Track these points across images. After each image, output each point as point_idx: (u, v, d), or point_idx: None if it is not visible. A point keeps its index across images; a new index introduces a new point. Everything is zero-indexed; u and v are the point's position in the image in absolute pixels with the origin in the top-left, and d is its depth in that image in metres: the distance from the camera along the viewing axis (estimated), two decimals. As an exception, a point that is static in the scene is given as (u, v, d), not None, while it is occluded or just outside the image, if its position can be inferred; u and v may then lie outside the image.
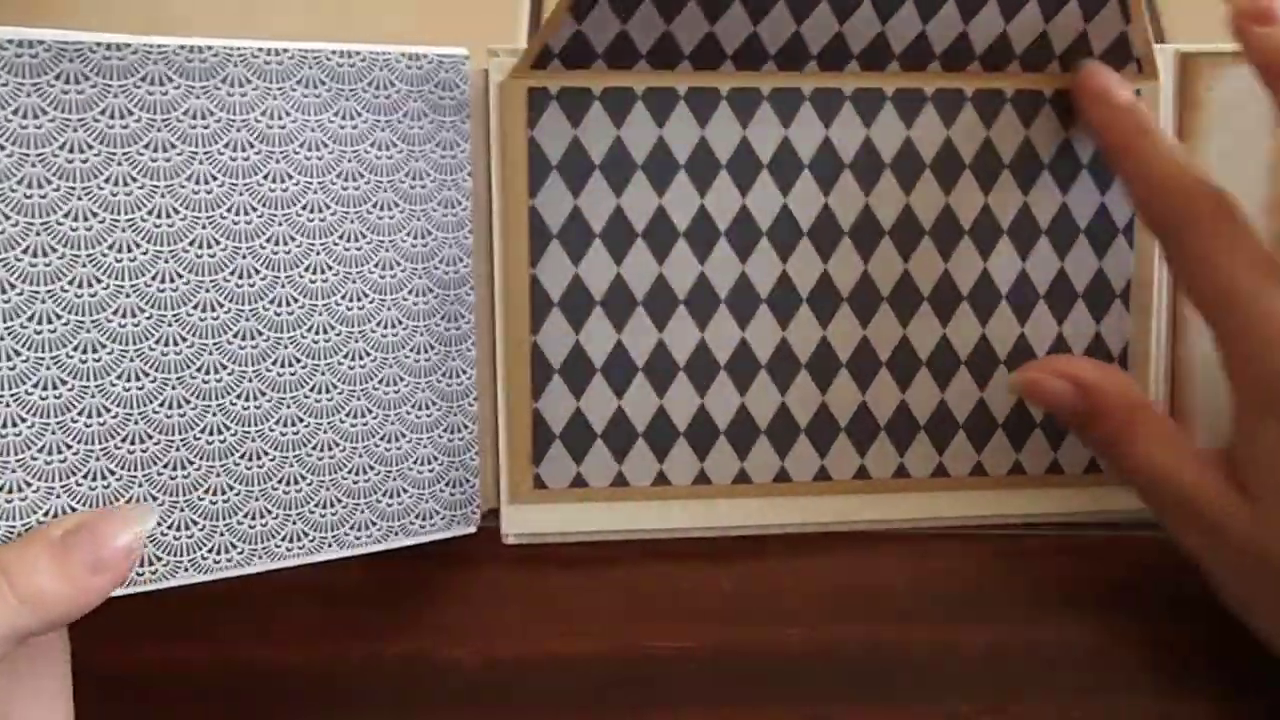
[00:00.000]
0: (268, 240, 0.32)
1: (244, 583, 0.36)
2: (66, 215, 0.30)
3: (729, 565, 0.37)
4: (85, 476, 0.31)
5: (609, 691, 0.37)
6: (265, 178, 0.32)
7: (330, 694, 0.36)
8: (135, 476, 0.31)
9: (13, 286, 0.30)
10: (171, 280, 0.31)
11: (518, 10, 0.47)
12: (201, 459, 0.32)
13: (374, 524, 0.34)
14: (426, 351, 0.35)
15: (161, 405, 0.32)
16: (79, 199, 0.30)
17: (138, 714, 0.36)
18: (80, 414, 0.31)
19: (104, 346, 0.31)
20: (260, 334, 0.32)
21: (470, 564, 0.37)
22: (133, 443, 0.31)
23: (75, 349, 0.31)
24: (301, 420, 0.33)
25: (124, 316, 0.31)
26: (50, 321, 0.30)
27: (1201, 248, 0.32)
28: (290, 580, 0.36)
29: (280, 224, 0.32)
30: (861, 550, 0.37)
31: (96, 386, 0.31)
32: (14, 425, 0.30)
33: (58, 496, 0.31)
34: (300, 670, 0.36)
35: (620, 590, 0.37)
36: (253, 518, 0.33)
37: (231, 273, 0.32)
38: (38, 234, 0.30)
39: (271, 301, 0.32)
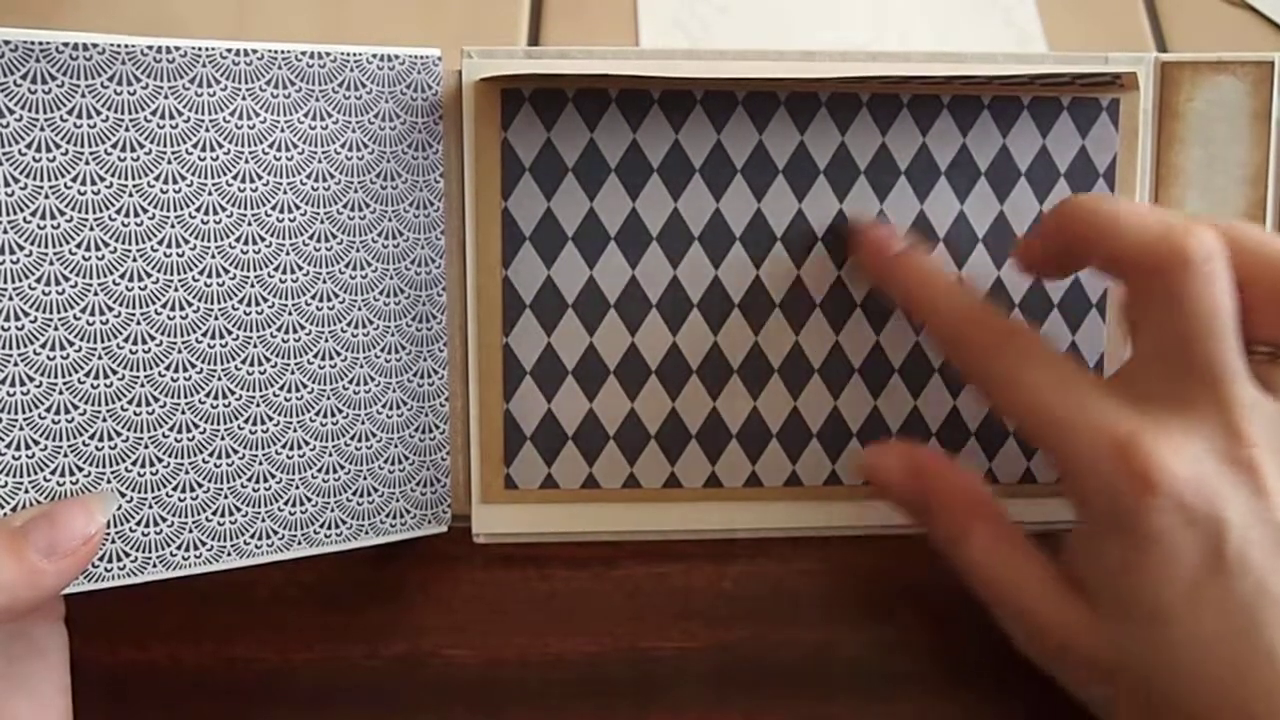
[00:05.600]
0: (237, 240, 0.32)
1: (244, 583, 0.36)
2: (34, 213, 0.30)
3: (729, 565, 0.37)
4: (53, 472, 0.31)
5: (609, 691, 0.37)
6: (234, 177, 0.32)
7: (330, 694, 0.37)
8: (103, 473, 0.32)
9: (-20, 284, 0.30)
10: (140, 279, 0.31)
11: (518, 10, 0.47)
12: (170, 456, 0.32)
13: (344, 522, 0.34)
14: (398, 351, 0.35)
15: (130, 402, 0.32)
16: (46, 197, 0.30)
17: (138, 713, 0.37)
18: (48, 410, 0.31)
19: (71, 344, 0.31)
20: (229, 333, 0.33)
21: (468, 564, 0.37)
22: (101, 439, 0.32)
23: (43, 346, 0.31)
24: (271, 419, 0.33)
25: (92, 314, 0.31)
26: (18, 318, 0.30)
27: (1007, 374, 0.31)
28: (290, 580, 0.36)
29: (249, 224, 0.32)
30: (862, 551, 0.37)
31: (64, 383, 0.31)
32: (-20, 421, 0.30)
33: (25, 491, 0.31)
34: (300, 670, 0.37)
35: (620, 590, 0.37)
36: (221, 515, 0.33)
37: (200, 272, 0.32)
38: (4, 232, 0.30)
39: (240, 301, 0.33)
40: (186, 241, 0.32)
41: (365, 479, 0.35)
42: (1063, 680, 0.32)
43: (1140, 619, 0.30)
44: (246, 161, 0.32)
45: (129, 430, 0.32)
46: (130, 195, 0.31)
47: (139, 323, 0.32)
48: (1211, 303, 0.29)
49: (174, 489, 0.32)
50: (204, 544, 0.33)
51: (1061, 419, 0.30)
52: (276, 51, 0.32)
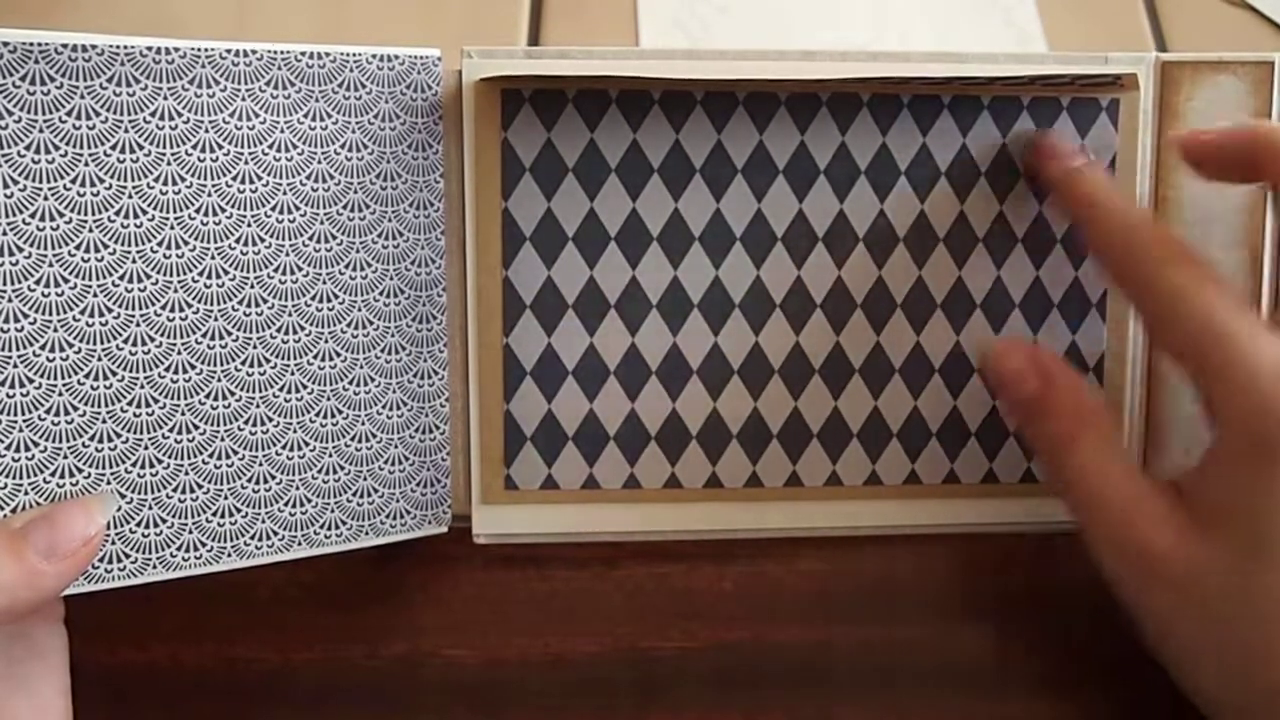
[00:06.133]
0: (236, 241, 0.32)
1: (245, 583, 0.36)
2: (33, 215, 0.30)
3: (729, 565, 0.37)
4: (53, 473, 0.31)
5: (609, 691, 0.37)
6: (234, 179, 0.32)
7: (330, 694, 0.37)
8: (103, 474, 0.32)
9: (-21, 285, 0.30)
10: (139, 280, 0.31)
11: (518, 10, 0.47)
12: (170, 457, 0.32)
13: (344, 523, 0.34)
14: (398, 352, 0.35)
15: (130, 404, 0.32)
16: (46, 199, 0.30)
17: (138, 713, 0.37)
18: (48, 411, 0.31)
19: (71, 345, 0.31)
20: (229, 334, 0.33)
21: (468, 564, 0.37)
22: (100, 440, 0.32)
23: (42, 347, 0.31)
24: (271, 419, 0.33)
25: (91, 316, 0.31)
26: (17, 320, 0.30)
27: (1178, 287, 0.31)
28: (290, 580, 0.36)
29: (249, 225, 0.32)
30: (862, 551, 0.37)
31: (64, 385, 0.31)
32: (-20, 423, 0.30)
33: (25, 493, 0.31)
34: (300, 670, 0.37)
35: (621, 591, 0.37)
36: (221, 516, 0.33)
37: (200, 273, 0.32)
38: (4, 233, 0.30)
39: (240, 302, 0.33)
40: (186, 243, 0.32)
41: (365, 480, 0.34)
42: (1134, 599, 0.32)
43: (1261, 546, 0.30)
44: (246, 162, 0.32)
45: (129, 431, 0.32)
46: (130, 197, 0.31)
47: (138, 324, 0.32)
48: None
49: (174, 490, 0.32)
50: (204, 545, 0.33)
51: (1233, 334, 0.30)
52: (276, 52, 0.32)
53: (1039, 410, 0.34)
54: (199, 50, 0.31)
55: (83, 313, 0.31)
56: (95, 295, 0.31)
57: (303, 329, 0.33)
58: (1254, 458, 0.30)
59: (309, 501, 0.34)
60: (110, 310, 0.31)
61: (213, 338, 0.32)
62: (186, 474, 0.32)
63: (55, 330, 0.31)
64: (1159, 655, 0.32)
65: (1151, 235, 0.32)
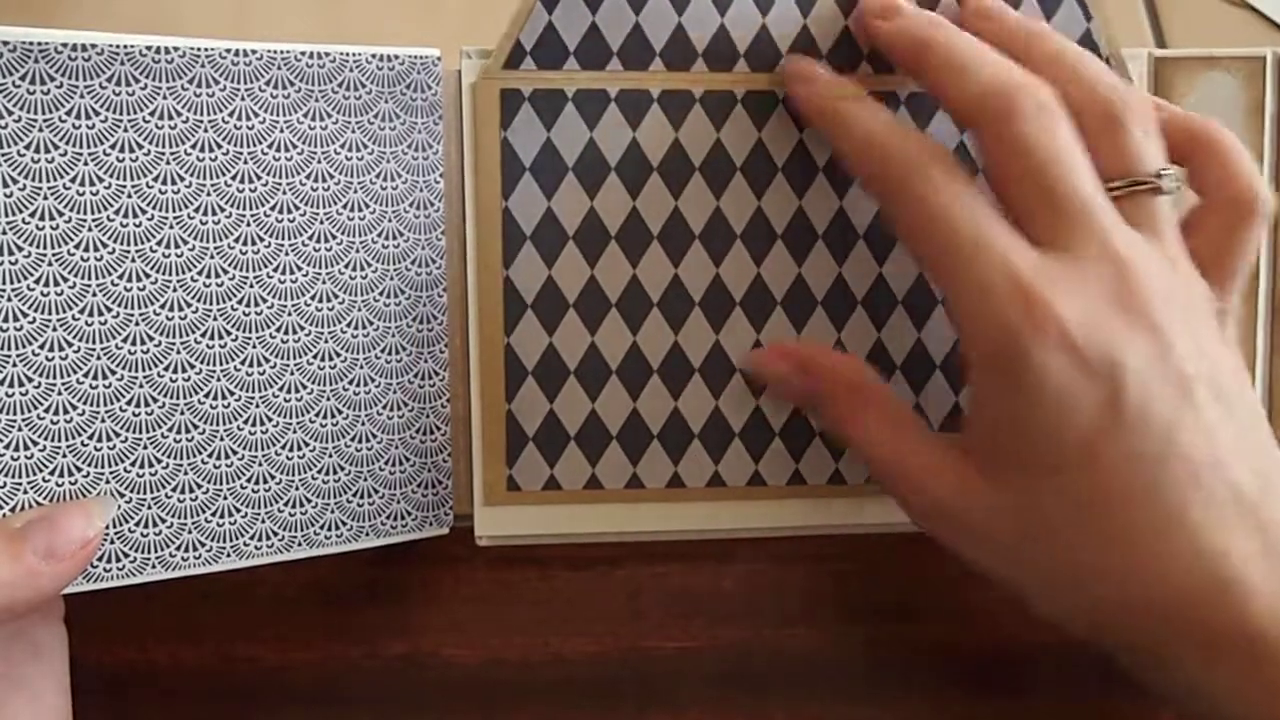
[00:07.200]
0: (236, 240, 0.32)
1: (244, 583, 0.36)
2: (33, 214, 0.30)
3: (730, 565, 0.37)
4: (52, 473, 0.31)
5: (609, 691, 0.37)
6: (233, 178, 0.32)
7: (330, 694, 0.37)
8: (102, 473, 0.32)
9: (-21, 285, 0.30)
10: (139, 279, 0.31)
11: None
12: (169, 456, 0.32)
13: (344, 524, 0.34)
14: (398, 353, 0.35)
15: (129, 403, 0.32)
16: (45, 198, 0.30)
17: (138, 713, 0.37)
18: (46, 410, 0.31)
19: (70, 344, 0.31)
20: (228, 333, 0.32)
21: (469, 565, 0.37)
22: (100, 440, 0.31)
23: (41, 346, 0.31)
24: (270, 419, 0.33)
25: (91, 315, 0.31)
26: (17, 319, 0.30)
27: (920, 194, 0.30)
28: (290, 580, 0.36)
29: (248, 224, 0.32)
30: (862, 551, 0.37)
31: (63, 384, 0.31)
32: (-21, 422, 0.30)
33: (24, 492, 0.31)
34: (300, 670, 0.37)
35: (620, 590, 0.37)
36: (221, 516, 0.33)
37: (199, 272, 0.32)
38: (3, 233, 0.30)
39: (240, 301, 0.33)
40: (185, 242, 0.32)
41: (366, 480, 0.34)
42: (955, 549, 0.31)
43: (1032, 472, 0.29)
44: (246, 162, 0.32)
45: (128, 431, 0.32)
46: (129, 196, 0.31)
47: (138, 323, 0.32)
48: (1055, 145, 0.29)
49: (173, 490, 0.32)
50: (203, 545, 0.33)
51: (967, 251, 0.29)
52: (275, 52, 0.32)
53: (813, 403, 0.34)
54: (198, 50, 0.31)
55: (82, 312, 0.31)
56: (94, 294, 0.31)
57: (302, 329, 0.33)
58: (1001, 376, 0.29)
59: (309, 502, 0.34)
60: (109, 309, 0.31)
61: (212, 337, 0.32)
62: (186, 474, 0.32)
63: (54, 329, 0.31)
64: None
65: (898, 141, 0.31)
